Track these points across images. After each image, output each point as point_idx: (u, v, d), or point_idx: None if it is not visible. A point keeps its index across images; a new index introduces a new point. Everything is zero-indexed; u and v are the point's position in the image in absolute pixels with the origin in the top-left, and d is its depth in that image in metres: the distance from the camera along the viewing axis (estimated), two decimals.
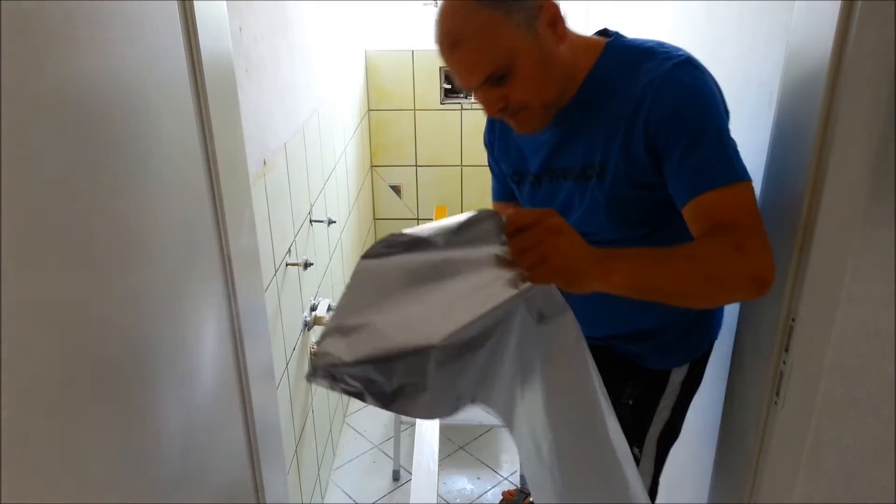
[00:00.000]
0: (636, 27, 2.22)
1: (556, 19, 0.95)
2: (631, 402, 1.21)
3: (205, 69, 0.85)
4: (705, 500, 1.30)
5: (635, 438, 1.21)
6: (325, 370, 0.82)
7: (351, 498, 2.23)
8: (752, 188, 0.92)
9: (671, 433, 1.25)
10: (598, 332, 1.18)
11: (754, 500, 1.07)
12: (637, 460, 1.22)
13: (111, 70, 0.66)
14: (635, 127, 0.96)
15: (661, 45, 1.00)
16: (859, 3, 0.79)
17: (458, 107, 3.15)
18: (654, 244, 0.91)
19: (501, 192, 1.30)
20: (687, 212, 0.94)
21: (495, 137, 1.22)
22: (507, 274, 0.83)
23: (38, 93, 0.54)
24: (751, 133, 1.20)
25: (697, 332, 1.20)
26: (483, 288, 0.84)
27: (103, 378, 0.64)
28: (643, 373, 1.20)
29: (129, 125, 0.69)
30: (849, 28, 0.81)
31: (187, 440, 0.84)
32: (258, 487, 1.12)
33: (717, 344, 1.34)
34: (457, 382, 0.90)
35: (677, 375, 1.21)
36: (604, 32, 1.08)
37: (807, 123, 0.89)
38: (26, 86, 0.52)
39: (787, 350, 0.97)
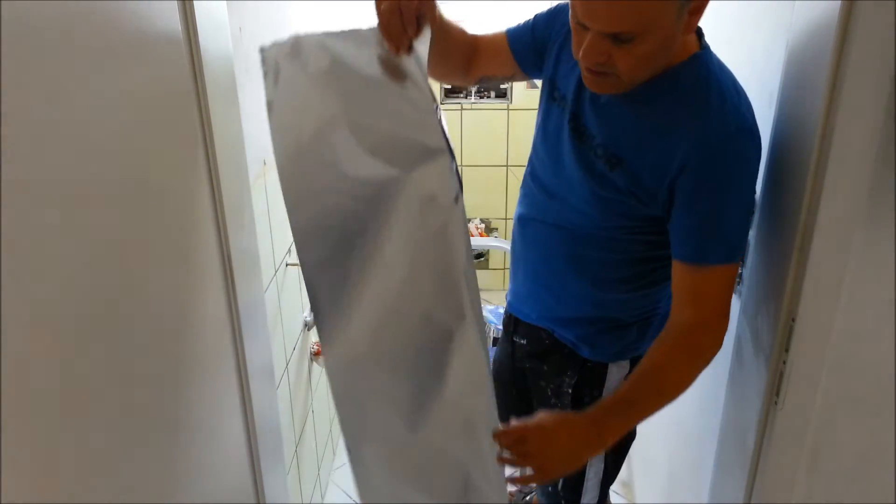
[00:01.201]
0: None
1: (698, 12, 0.91)
2: (570, 392, 1.24)
3: (205, 69, 0.85)
4: (705, 500, 1.30)
5: None
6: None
7: (351, 498, 2.23)
8: (734, 270, 1.00)
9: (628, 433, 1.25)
10: (542, 313, 1.24)
11: (754, 500, 1.07)
12: None
13: (112, 70, 0.66)
14: (674, 161, 0.95)
15: (734, 88, 0.97)
16: (859, 3, 0.79)
17: (458, 107, 3.15)
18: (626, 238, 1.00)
19: (516, 37, 1.17)
20: (678, 266, 1.00)
21: (558, 41, 1.11)
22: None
23: (38, 93, 0.54)
24: None
25: (634, 333, 1.20)
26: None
27: (103, 378, 0.64)
28: (581, 363, 1.23)
29: (128, 125, 0.69)
30: (849, 28, 0.81)
31: (187, 440, 0.84)
32: (258, 487, 1.12)
33: None
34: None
35: (616, 370, 1.22)
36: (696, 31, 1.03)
37: (807, 123, 0.89)
38: (26, 86, 0.52)
39: (787, 350, 0.97)
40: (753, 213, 1.03)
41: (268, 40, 0.90)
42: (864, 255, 0.90)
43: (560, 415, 0.97)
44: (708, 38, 1.30)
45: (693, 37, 1.00)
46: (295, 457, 1.75)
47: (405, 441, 0.97)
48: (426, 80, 0.89)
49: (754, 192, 0.99)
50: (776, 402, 1.00)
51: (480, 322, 0.91)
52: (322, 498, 2.15)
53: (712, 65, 0.98)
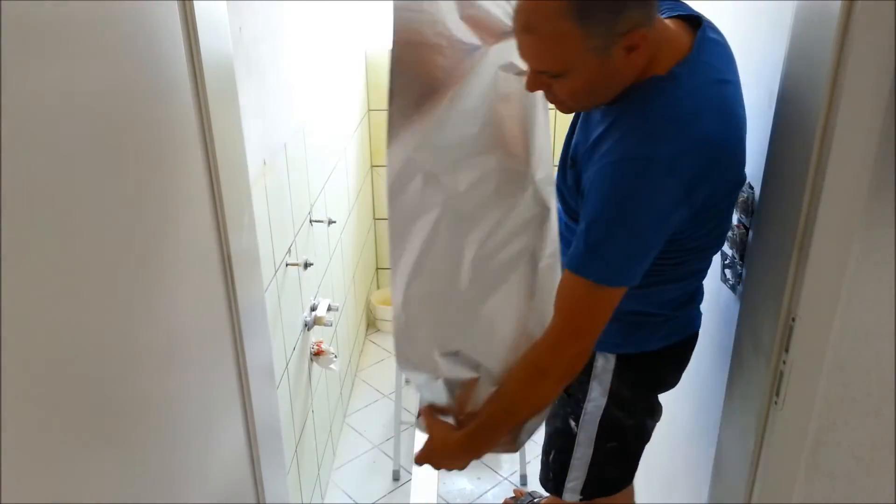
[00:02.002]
0: None
1: (637, 48, 0.93)
2: None
3: (205, 69, 0.85)
4: (705, 500, 1.30)
5: (571, 410, 1.29)
6: None
7: (351, 498, 2.23)
8: (598, 291, 0.99)
9: (614, 425, 1.27)
10: None
11: (754, 500, 1.07)
12: (573, 434, 1.29)
13: (111, 70, 0.66)
14: (595, 169, 1.00)
15: (674, 117, 0.96)
16: (859, 3, 0.79)
17: None
18: None
19: None
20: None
21: None
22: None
23: (38, 93, 0.54)
24: (751, 133, 1.20)
25: (620, 336, 1.20)
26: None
27: (103, 378, 0.64)
28: None
29: (129, 125, 0.69)
30: (849, 28, 0.81)
31: (187, 440, 0.85)
32: (258, 487, 1.12)
33: (716, 344, 1.34)
34: None
35: (602, 361, 1.23)
36: (696, 22, 1.04)
37: (807, 123, 0.89)
38: (26, 87, 0.52)
39: (787, 350, 0.97)
40: (649, 241, 0.98)
41: (268, 40, 0.90)
42: (864, 255, 0.90)
43: (432, 434, 1.18)
44: None
45: (673, 52, 0.99)
46: (295, 457, 1.75)
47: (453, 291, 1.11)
48: None
49: (646, 223, 0.96)
50: (776, 402, 1.00)
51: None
52: (322, 498, 2.15)
53: (660, 90, 0.98)
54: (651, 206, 0.95)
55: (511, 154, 1.10)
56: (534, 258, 1.11)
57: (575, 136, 1.12)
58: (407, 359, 1.15)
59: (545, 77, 0.98)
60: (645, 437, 1.33)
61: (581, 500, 1.34)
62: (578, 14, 0.88)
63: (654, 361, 1.24)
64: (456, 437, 1.16)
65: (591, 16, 0.89)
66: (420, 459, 1.21)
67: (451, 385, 1.15)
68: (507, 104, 1.09)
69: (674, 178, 0.94)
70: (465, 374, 1.14)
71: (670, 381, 1.31)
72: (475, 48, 1.08)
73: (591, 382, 1.25)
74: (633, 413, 1.28)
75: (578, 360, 1.05)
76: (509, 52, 1.05)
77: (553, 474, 1.35)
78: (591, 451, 1.29)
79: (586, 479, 1.32)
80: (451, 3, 1.06)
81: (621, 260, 0.98)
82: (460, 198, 1.09)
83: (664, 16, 1.03)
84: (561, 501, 1.36)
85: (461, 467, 1.19)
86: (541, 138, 1.10)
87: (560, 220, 1.15)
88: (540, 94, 1.05)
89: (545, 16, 0.90)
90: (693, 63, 0.98)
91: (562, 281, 1.05)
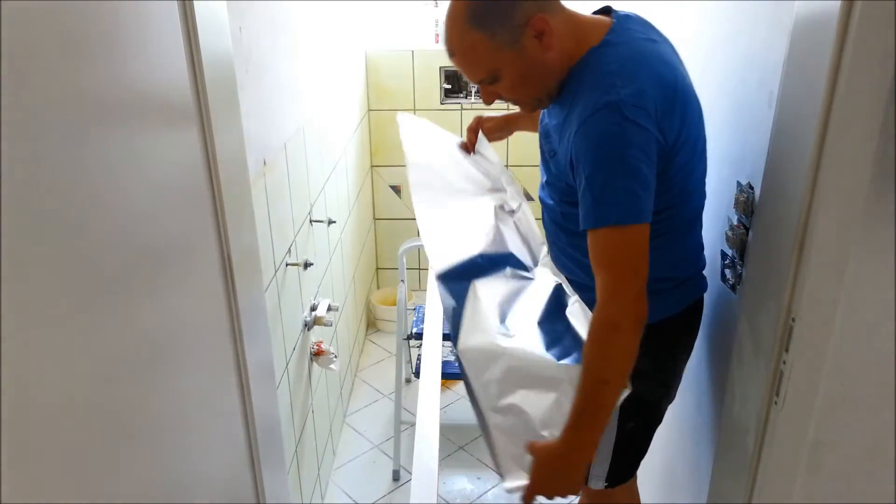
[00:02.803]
0: None
1: (543, 32, 1.05)
2: None
3: (205, 69, 0.85)
4: (705, 501, 1.30)
5: None
6: None
7: (351, 498, 2.23)
8: (622, 232, 1.04)
9: (637, 400, 1.25)
10: (571, 275, 1.36)
11: (754, 500, 1.07)
12: None
13: (112, 70, 0.66)
14: (572, 141, 1.07)
15: (621, 65, 1.05)
16: (859, 3, 0.79)
17: (459, 107, 3.15)
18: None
19: None
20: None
21: None
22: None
23: (38, 93, 0.54)
24: (751, 133, 1.20)
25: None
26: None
27: (103, 378, 0.64)
28: None
29: (129, 125, 0.69)
30: (849, 28, 0.81)
31: (187, 440, 0.85)
32: (258, 487, 1.12)
33: (716, 344, 1.34)
34: None
35: None
36: (608, 11, 1.16)
37: (807, 123, 0.89)
38: (26, 86, 0.52)
39: (787, 350, 0.97)
40: (645, 175, 1.03)
41: (268, 40, 0.90)
42: (864, 255, 0.90)
43: (540, 456, 1.13)
44: (708, 39, 1.31)
45: (598, 30, 1.10)
46: (295, 457, 1.75)
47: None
48: (494, 155, 1.52)
49: (636, 159, 1.02)
50: (776, 402, 1.00)
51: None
52: (322, 498, 2.15)
53: (601, 53, 1.08)
54: (633, 143, 1.01)
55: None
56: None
57: (545, 130, 1.24)
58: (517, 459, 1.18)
59: (488, 87, 1.13)
60: (660, 417, 1.36)
61: (606, 486, 1.36)
62: (477, 23, 1.04)
63: (673, 326, 1.27)
64: (561, 440, 1.11)
65: (487, 20, 1.04)
66: (532, 489, 1.14)
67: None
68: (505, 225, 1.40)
69: (642, 112, 1.01)
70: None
71: (686, 344, 1.33)
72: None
73: None
74: (651, 384, 1.30)
75: (640, 301, 1.06)
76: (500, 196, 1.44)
77: None
78: (614, 434, 1.31)
79: (611, 465, 1.33)
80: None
81: (628, 198, 1.03)
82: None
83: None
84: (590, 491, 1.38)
85: (578, 478, 1.13)
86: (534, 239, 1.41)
87: (554, 212, 1.26)
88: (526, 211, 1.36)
89: (455, 36, 1.07)
90: (620, 30, 1.10)
91: (589, 242, 1.08)
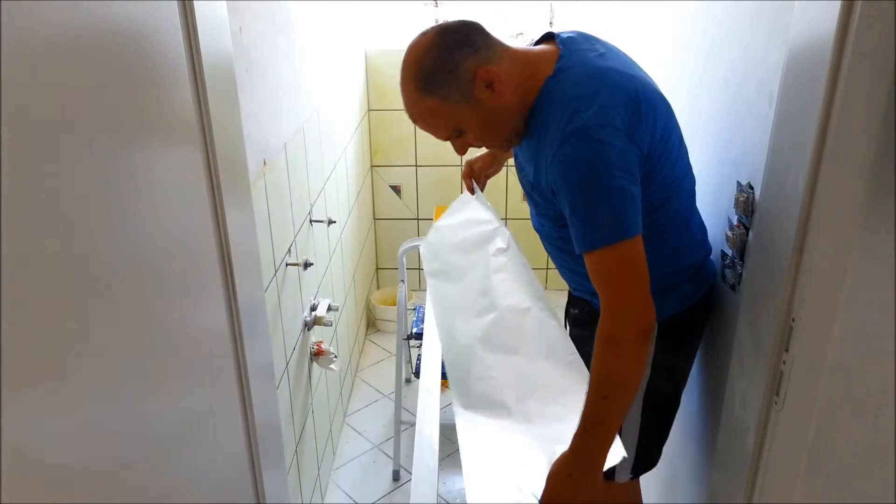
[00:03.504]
0: (635, 28, 2.22)
1: (492, 82, 1.10)
2: None
3: (205, 69, 0.85)
4: (705, 501, 1.30)
5: None
6: None
7: (351, 498, 2.23)
8: (613, 250, 1.06)
9: (657, 392, 1.32)
10: (577, 287, 1.40)
11: (754, 500, 1.07)
12: None
13: (112, 70, 0.66)
14: (548, 172, 1.11)
15: (579, 91, 1.08)
16: (859, 3, 0.79)
17: None
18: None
19: None
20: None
21: None
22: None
23: (39, 93, 0.54)
24: (751, 133, 1.20)
25: (661, 298, 1.21)
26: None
27: (103, 378, 0.64)
28: None
29: (129, 125, 0.69)
30: (849, 28, 0.81)
31: (187, 440, 0.85)
32: (258, 487, 1.12)
33: (716, 344, 1.34)
34: None
35: None
36: (551, 36, 1.19)
37: (807, 123, 0.89)
38: (25, 86, 0.52)
39: (787, 350, 0.97)
40: (626, 189, 1.05)
41: (268, 40, 0.90)
42: (864, 255, 0.90)
43: (553, 470, 1.14)
44: (708, 39, 1.30)
45: (547, 60, 1.13)
46: (295, 457, 1.75)
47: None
48: (490, 208, 1.56)
49: (613, 177, 1.04)
50: (776, 402, 1.00)
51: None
52: (322, 498, 2.15)
53: (558, 82, 1.12)
54: (607, 162, 1.04)
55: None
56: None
57: (520, 165, 1.29)
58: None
59: (456, 140, 1.19)
60: (677, 405, 1.39)
61: (632, 478, 1.40)
62: (428, 89, 1.11)
63: (692, 315, 1.30)
64: (569, 450, 1.14)
65: (436, 84, 1.10)
66: (545, 500, 1.16)
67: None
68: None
69: (609, 130, 1.04)
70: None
71: (701, 331, 1.36)
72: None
73: None
74: (674, 377, 1.34)
75: (644, 313, 1.08)
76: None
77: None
78: (638, 428, 1.34)
79: (636, 456, 1.36)
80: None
81: (613, 217, 1.05)
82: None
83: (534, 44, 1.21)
84: (615, 486, 1.39)
85: (594, 487, 1.14)
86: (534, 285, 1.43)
87: (552, 237, 1.30)
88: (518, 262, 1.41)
89: (412, 105, 1.14)
90: (568, 54, 1.13)
91: (587, 265, 1.11)
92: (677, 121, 1.20)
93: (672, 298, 1.26)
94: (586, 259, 1.10)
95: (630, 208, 1.05)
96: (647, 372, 1.28)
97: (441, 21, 1.16)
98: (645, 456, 1.38)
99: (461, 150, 1.23)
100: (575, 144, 1.04)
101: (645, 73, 1.18)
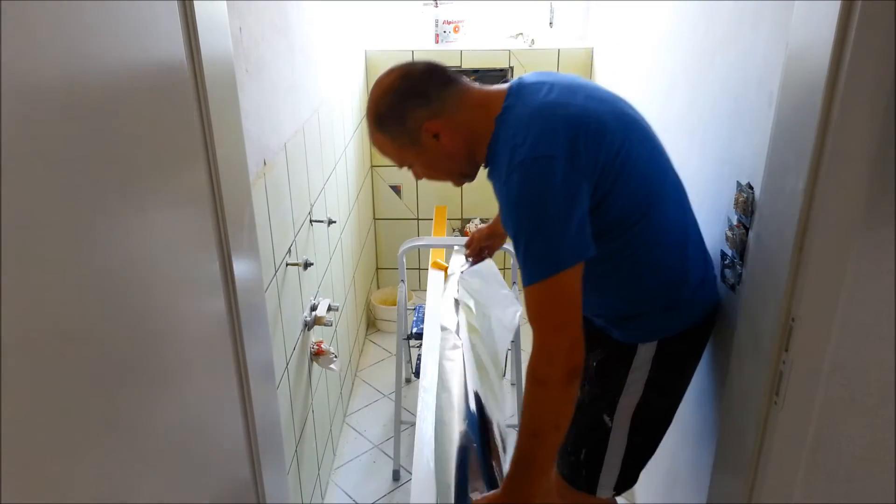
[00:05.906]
0: (635, 29, 2.22)
1: (439, 133, 1.17)
2: (594, 364, 1.33)
3: (205, 69, 0.85)
4: (705, 501, 1.30)
5: (605, 405, 1.32)
6: None
7: (351, 498, 2.23)
8: (545, 287, 1.07)
9: (649, 411, 1.31)
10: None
11: (754, 500, 1.07)
12: (608, 429, 1.33)
13: (112, 70, 0.66)
14: (500, 208, 1.15)
15: (520, 127, 1.11)
16: (859, 3, 0.79)
17: None
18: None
19: None
20: None
21: None
22: None
23: (38, 93, 0.54)
24: (751, 133, 1.20)
25: (662, 317, 1.25)
26: None
27: (102, 378, 0.64)
28: (612, 342, 1.31)
29: (129, 125, 0.69)
30: (849, 28, 0.81)
31: (187, 440, 0.85)
32: (258, 487, 1.12)
33: (716, 344, 1.34)
34: None
35: (645, 350, 1.27)
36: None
37: (807, 123, 0.89)
38: (25, 85, 0.52)
39: (787, 350, 0.97)
40: (567, 215, 1.06)
41: (268, 40, 0.90)
42: (864, 255, 0.90)
43: (490, 500, 1.19)
44: (707, 39, 1.31)
45: (499, 100, 1.17)
46: (295, 457, 1.75)
47: None
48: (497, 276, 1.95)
49: (553, 206, 1.05)
50: (776, 402, 1.00)
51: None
52: (322, 498, 2.15)
53: (502, 122, 1.16)
54: (546, 192, 1.06)
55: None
56: None
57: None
58: None
59: (410, 169, 1.28)
60: (668, 424, 1.37)
61: (614, 495, 1.38)
62: (380, 127, 1.21)
63: (691, 338, 1.29)
64: (501, 489, 1.18)
65: (386, 126, 1.20)
66: None
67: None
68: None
69: (545, 161, 1.06)
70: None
71: (693, 363, 1.35)
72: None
73: (629, 375, 1.28)
74: (669, 397, 1.33)
75: (572, 353, 1.08)
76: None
77: (586, 472, 1.38)
78: (625, 444, 1.33)
79: (620, 473, 1.35)
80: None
81: (553, 248, 1.06)
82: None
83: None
84: (593, 499, 1.39)
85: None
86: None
87: None
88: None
89: (371, 134, 1.25)
90: (513, 94, 1.18)
91: (524, 299, 1.12)
92: (648, 133, 1.20)
93: (672, 318, 1.25)
94: (524, 293, 1.11)
95: (575, 239, 1.07)
96: (641, 391, 1.28)
97: (410, 61, 1.24)
98: (629, 473, 1.37)
99: (416, 177, 1.30)
100: (514, 180, 1.08)
101: (604, 97, 1.19)
